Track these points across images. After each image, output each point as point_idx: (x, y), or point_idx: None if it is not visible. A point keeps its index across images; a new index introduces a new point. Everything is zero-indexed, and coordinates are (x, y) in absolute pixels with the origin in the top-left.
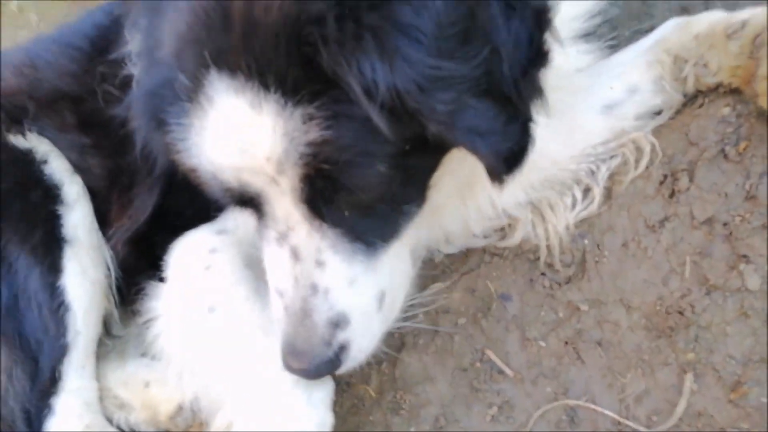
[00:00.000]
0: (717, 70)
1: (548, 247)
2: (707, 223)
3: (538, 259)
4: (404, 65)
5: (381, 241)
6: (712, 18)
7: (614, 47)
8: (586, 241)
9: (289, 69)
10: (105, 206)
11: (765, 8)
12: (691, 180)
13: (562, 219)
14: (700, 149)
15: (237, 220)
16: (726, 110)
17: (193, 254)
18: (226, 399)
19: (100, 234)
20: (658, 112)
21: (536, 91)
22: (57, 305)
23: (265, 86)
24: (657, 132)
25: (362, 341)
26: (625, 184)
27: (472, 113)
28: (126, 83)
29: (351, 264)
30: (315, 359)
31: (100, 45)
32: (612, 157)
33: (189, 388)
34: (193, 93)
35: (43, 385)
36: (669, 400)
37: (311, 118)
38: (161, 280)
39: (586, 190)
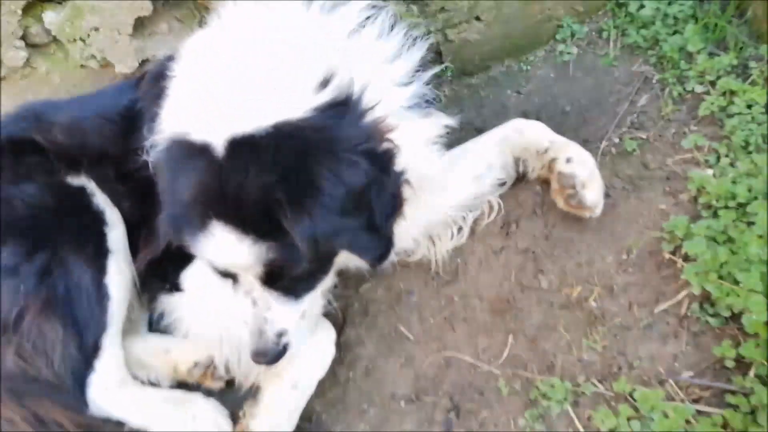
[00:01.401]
0: (533, 170)
1: (437, 261)
2: (524, 251)
3: (431, 269)
4: (323, 224)
5: (304, 293)
6: (536, 133)
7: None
8: (458, 260)
9: (259, 224)
10: (131, 232)
11: (567, 153)
12: (517, 226)
13: (445, 245)
14: (523, 208)
15: None
16: (537, 187)
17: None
18: None
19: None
20: (503, 183)
21: (392, 229)
22: (102, 296)
23: (245, 232)
24: (501, 196)
25: (296, 338)
26: (482, 226)
27: (361, 240)
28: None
29: (285, 305)
30: (270, 354)
31: (131, 123)
32: (475, 209)
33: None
34: (200, 228)
35: (88, 352)
36: (500, 349)
37: (269, 248)
38: (172, 288)
39: (459, 229)
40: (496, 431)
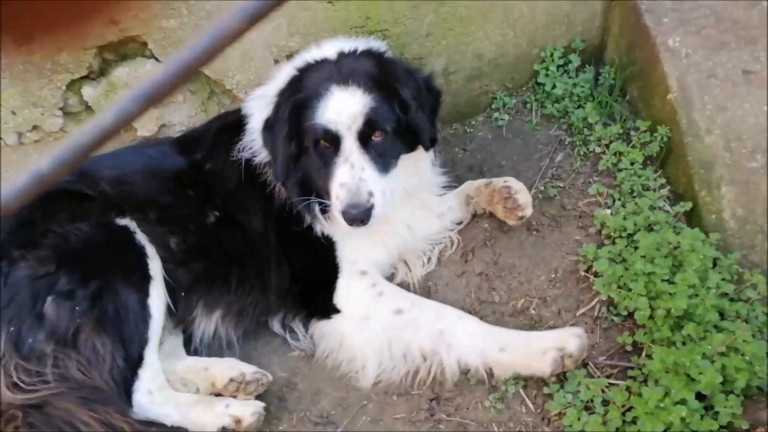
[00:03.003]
0: (480, 201)
1: (413, 284)
2: (480, 274)
3: (409, 290)
4: (406, 92)
5: (384, 170)
6: (479, 181)
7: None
8: (430, 282)
9: (370, 85)
10: (177, 265)
11: (502, 180)
12: (473, 255)
13: (419, 272)
14: (476, 241)
15: (370, 267)
16: (486, 225)
17: (362, 290)
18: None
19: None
20: (460, 223)
21: (435, 126)
22: (145, 315)
23: (358, 88)
24: (459, 233)
25: (379, 204)
26: (446, 256)
27: (422, 119)
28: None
29: (374, 173)
30: (361, 207)
31: (184, 179)
32: (440, 242)
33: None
34: (322, 94)
35: (133, 362)
36: None
37: (372, 101)
38: (324, 311)
39: (429, 259)
40: (468, 412)
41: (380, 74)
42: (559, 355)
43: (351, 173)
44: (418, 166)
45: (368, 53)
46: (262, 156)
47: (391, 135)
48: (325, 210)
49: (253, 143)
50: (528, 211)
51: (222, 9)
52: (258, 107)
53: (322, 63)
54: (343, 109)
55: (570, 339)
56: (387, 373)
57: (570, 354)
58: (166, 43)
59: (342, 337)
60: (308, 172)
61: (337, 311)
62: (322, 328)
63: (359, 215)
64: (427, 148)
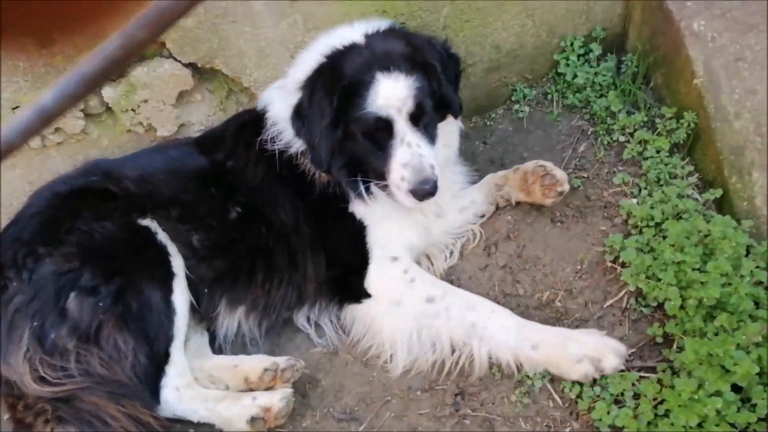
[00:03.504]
0: (513, 190)
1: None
2: (503, 267)
3: None
4: (440, 65)
5: (432, 143)
6: (503, 171)
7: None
8: (453, 276)
9: (410, 67)
10: (199, 261)
11: (534, 162)
12: (496, 248)
13: (441, 265)
14: (499, 234)
15: (401, 253)
16: (509, 217)
17: (394, 275)
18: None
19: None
20: (483, 216)
21: (458, 95)
22: (169, 312)
23: (401, 73)
24: (482, 225)
25: (439, 175)
26: (469, 249)
27: (449, 90)
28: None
29: (427, 146)
30: (431, 180)
31: (206, 178)
32: (462, 236)
33: (407, 352)
34: (368, 81)
35: (159, 359)
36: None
37: (416, 81)
38: (353, 296)
39: (451, 253)
40: (494, 407)
41: (414, 53)
42: (592, 369)
43: (410, 152)
44: (449, 136)
45: (392, 32)
46: (297, 146)
47: (431, 107)
48: (368, 189)
49: (282, 135)
50: (566, 187)
51: (237, 7)
52: (279, 97)
53: (353, 48)
54: (392, 94)
55: (608, 355)
56: (415, 361)
57: (602, 369)
58: (184, 42)
59: (372, 320)
60: (356, 155)
61: (368, 295)
62: (353, 312)
63: (431, 189)
64: (456, 116)
